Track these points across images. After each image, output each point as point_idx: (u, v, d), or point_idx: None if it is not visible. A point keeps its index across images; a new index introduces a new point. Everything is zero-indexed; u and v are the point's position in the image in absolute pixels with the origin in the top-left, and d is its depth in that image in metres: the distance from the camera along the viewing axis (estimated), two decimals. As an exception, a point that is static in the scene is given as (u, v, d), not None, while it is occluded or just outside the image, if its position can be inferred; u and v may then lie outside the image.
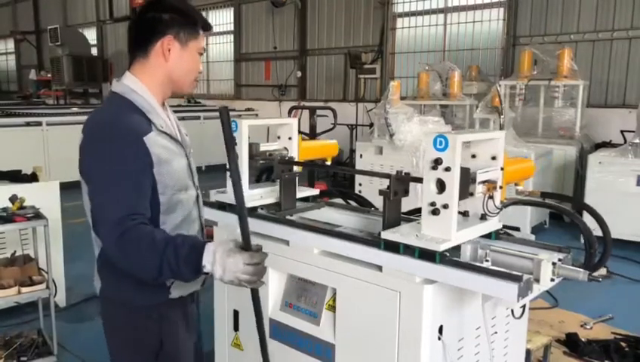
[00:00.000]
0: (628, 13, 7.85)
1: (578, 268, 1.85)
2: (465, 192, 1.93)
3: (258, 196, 2.54)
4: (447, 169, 1.83)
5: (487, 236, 2.11)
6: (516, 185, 2.46)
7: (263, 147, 2.57)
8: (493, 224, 2.11)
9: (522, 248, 2.03)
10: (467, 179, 1.94)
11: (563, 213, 2.54)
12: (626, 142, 6.57)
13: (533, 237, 2.16)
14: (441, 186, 1.85)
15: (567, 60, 7.24)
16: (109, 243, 1.61)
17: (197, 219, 1.91)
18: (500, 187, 2.08)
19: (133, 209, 1.61)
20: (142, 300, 1.77)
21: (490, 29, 9.35)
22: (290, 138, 2.63)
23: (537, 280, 1.82)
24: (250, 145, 2.50)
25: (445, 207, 1.85)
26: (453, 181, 1.83)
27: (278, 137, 2.66)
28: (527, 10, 8.82)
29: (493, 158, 2.07)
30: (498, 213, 2.08)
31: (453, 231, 1.86)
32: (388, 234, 1.96)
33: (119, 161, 1.63)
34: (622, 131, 7.14)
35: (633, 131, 6.40)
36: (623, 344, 3.62)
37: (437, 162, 1.84)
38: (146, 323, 1.80)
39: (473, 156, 2.10)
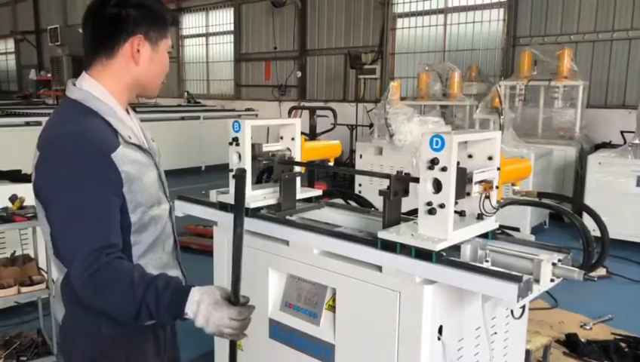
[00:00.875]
0: (628, 13, 7.85)
1: (574, 268, 1.85)
2: (461, 192, 1.94)
3: (261, 197, 2.53)
4: (444, 169, 1.83)
5: (484, 236, 2.12)
6: (513, 185, 2.47)
7: (266, 147, 2.57)
8: (489, 224, 2.12)
9: (522, 248, 2.04)
10: (464, 178, 1.95)
11: (560, 213, 2.54)
12: (625, 142, 6.57)
13: (533, 238, 2.16)
14: (437, 186, 1.86)
15: (567, 61, 7.24)
16: (79, 282, 1.41)
17: (171, 233, 1.74)
18: (497, 187, 2.09)
19: (106, 240, 1.44)
20: (111, 329, 1.56)
21: (490, 30, 9.35)
22: (293, 138, 2.62)
23: (537, 281, 1.82)
24: (253, 146, 2.49)
25: (442, 206, 1.85)
26: (449, 181, 1.84)
27: (281, 138, 2.65)
28: (527, 10, 8.83)
29: (490, 158, 2.08)
30: (495, 212, 2.09)
31: (449, 231, 1.87)
32: (385, 234, 1.96)
33: (86, 184, 1.42)
34: (622, 132, 7.14)
35: (633, 132, 6.39)
36: (623, 344, 3.62)
37: (433, 162, 1.84)
38: (112, 353, 1.61)
39: (470, 156, 2.11)
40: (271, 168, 2.66)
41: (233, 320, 1.41)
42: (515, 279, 1.71)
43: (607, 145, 7.37)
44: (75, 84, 1.58)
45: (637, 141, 6.09)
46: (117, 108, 1.57)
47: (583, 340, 3.60)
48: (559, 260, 1.90)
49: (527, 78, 7.56)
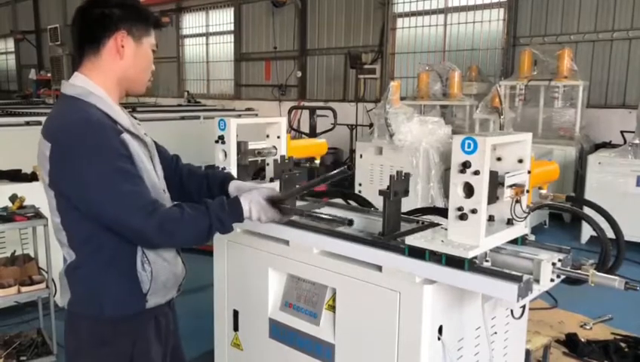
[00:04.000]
0: (628, 13, 7.85)
1: (614, 277, 1.80)
2: (492, 197, 1.86)
3: None
4: (476, 172, 1.76)
5: (514, 242, 2.06)
6: (540, 188, 2.39)
7: (252, 145, 2.62)
8: (519, 229, 2.05)
9: (522, 248, 2.03)
10: (495, 183, 1.87)
11: (589, 223, 2.47)
12: (625, 142, 6.57)
13: (533, 238, 2.15)
14: (469, 190, 1.79)
15: (567, 61, 7.24)
16: (150, 235, 1.58)
17: None
18: (527, 191, 2.01)
19: (150, 195, 1.61)
20: (114, 310, 1.66)
21: (490, 30, 9.35)
22: (278, 137, 2.65)
23: (537, 281, 1.82)
24: (239, 144, 2.54)
25: (473, 212, 1.78)
26: (482, 185, 1.76)
27: (267, 136, 2.70)
28: (527, 10, 8.82)
29: (520, 161, 2.01)
30: (525, 217, 2.02)
31: (481, 237, 1.80)
32: (413, 240, 1.90)
33: (107, 157, 1.54)
34: (622, 132, 7.14)
35: (633, 132, 6.39)
36: (623, 344, 3.62)
37: (465, 165, 1.77)
38: (115, 341, 1.69)
39: (499, 159, 2.03)
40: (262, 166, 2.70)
41: (273, 220, 1.75)
42: (515, 279, 1.70)
43: (607, 145, 7.37)
44: (69, 83, 1.68)
45: (637, 141, 6.09)
46: (111, 102, 1.67)
47: (582, 340, 3.60)
48: (559, 260, 1.90)
49: (527, 77, 7.55)
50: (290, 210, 1.75)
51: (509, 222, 2.00)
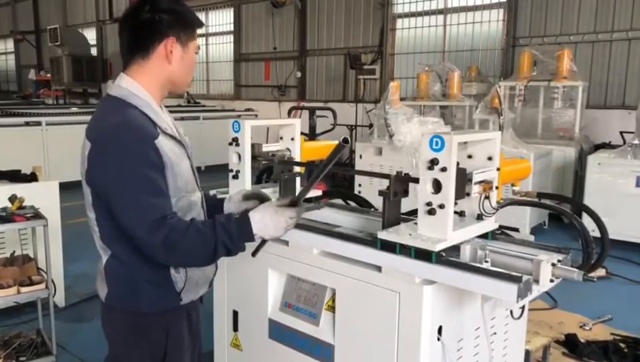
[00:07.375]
0: (627, 14, 7.85)
1: (573, 268, 1.85)
2: (461, 192, 1.94)
3: None
4: (444, 169, 1.83)
5: (484, 236, 2.11)
6: (513, 185, 2.47)
7: (266, 148, 2.58)
8: (489, 224, 2.12)
9: (521, 249, 2.04)
10: (463, 179, 1.95)
11: (559, 213, 2.56)
12: (625, 143, 6.57)
13: (532, 238, 2.16)
14: (437, 186, 1.86)
15: (566, 61, 7.24)
16: (154, 249, 1.60)
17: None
18: (496, 187, 2.09)
19: (165, 210, 1.62)
20: (151, 306, 1.74)
21: (489, 30, 9.35)
22: (292, 139, 2.63)
23: (537, 281, 1.82)
24: (253, 146, 2.50)
25: (441, 207, 1.85)
26: (449, 181, 1.84)
27: (281, 138, 2.66)
28: (526, 11, 8.83)
29: (490, 159, 2.08)
30: (494, 213, 2.09)
31: (449, 231, 1.87)
32: (384, 234, 1.97)
33: (136, 166, 1.59)
34: (621, 132, 7.15)
35: (632, 132, 6.40)
36: (622, 345, 3.62)
37: (433, 162, 1.84)
38: (151, 333, 1.78)
39: (469, 156, 2.11)
40: (271, 168, 2.67)
41: (292, 218, 1.72)
42: (515, 279, 1.71)
43: (606, 146, 7.37)
44: (114, 83, 1.74)
45: (636, 141, 6.10)
46: (153, 103, 1.72)
47: (582, 340, 3.60)
48: (559, 261, 1.90)
49: (526, 78, 7.56)
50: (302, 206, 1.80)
51: (479, 218, 2.07)
